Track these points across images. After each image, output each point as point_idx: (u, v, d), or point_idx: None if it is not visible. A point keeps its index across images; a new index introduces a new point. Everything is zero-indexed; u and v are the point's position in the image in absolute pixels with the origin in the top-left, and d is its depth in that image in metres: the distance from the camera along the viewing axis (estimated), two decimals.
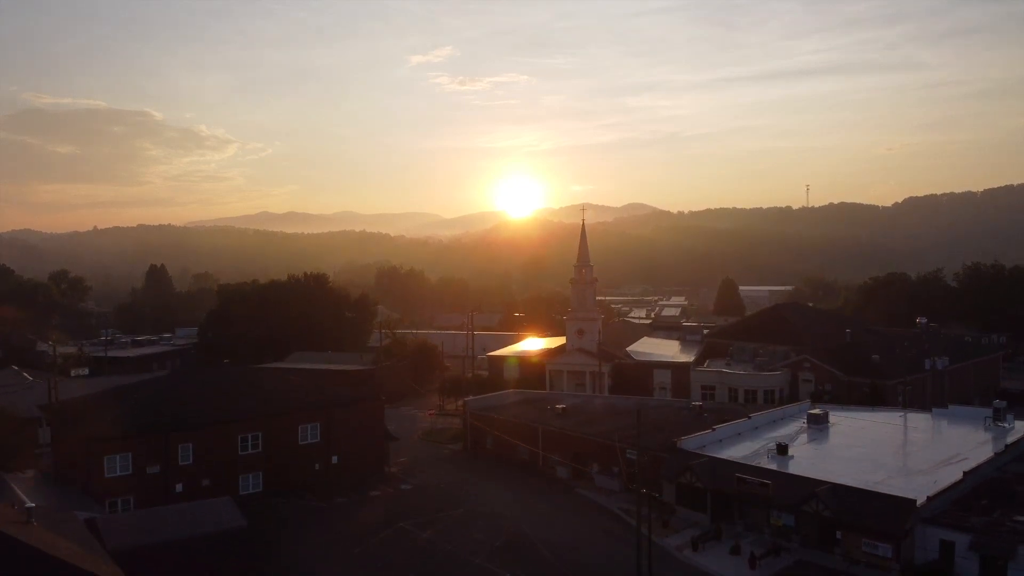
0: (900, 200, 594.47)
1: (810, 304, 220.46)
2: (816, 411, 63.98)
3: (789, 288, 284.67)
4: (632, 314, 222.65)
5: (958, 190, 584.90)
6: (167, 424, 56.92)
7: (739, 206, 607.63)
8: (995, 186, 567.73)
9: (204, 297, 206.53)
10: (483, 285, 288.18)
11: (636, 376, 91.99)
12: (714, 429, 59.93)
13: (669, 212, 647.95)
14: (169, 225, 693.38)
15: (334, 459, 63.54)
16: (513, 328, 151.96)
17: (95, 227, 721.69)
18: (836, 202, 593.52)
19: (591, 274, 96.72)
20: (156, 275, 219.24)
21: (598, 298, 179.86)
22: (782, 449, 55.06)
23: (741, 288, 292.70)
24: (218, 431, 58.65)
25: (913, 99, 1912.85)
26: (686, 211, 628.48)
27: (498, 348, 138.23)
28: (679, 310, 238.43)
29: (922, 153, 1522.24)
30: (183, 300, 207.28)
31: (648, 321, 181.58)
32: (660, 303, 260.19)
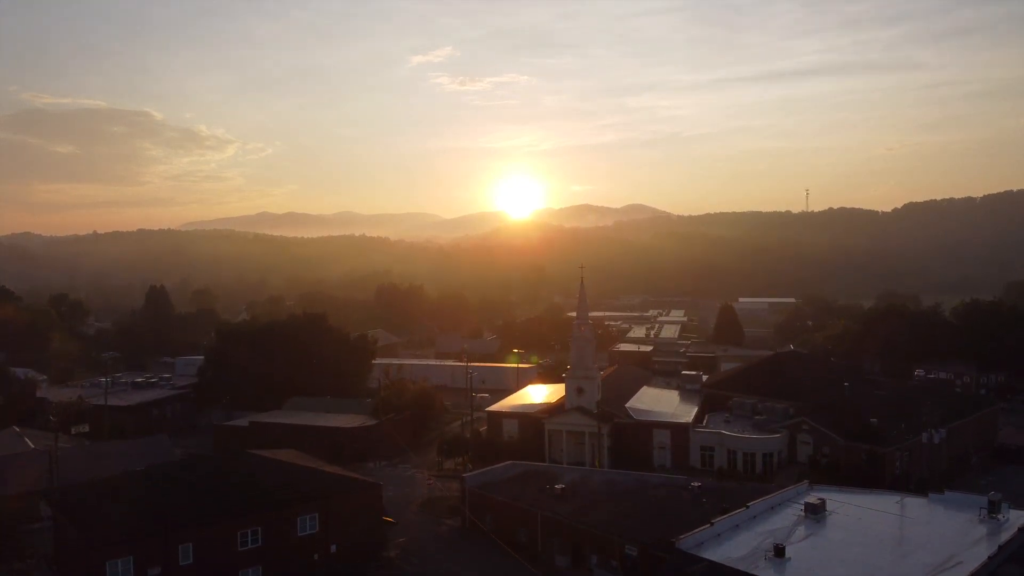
0: (900, 206, 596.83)
1: (809, 323, 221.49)
2: (813, 500, 64.14)
3: (790, 301, 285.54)
4: (631, 333, 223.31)
5: (958, 195, 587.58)
6: (169, 526, 57.08)
7: (738, 210, 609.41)
8: (995, 192, 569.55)
9: (204, 319, 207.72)
10: (483, 295, 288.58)
11: (635, 436, 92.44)
12: (712, 524, 60.11)
13: (669, 215, 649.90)
14: (168, 229, 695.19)
15: (333, 548, 63.79)
16: (513, 354, 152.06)
17: (95, 231, 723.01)
18: (836, 207, 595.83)
19: (590, 331, 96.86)
20: (156, 296, 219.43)
21: (595, 313, 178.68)
22: (779, 551, 55.23)
23: (741, 300, 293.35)
24: (218, 529, 58.78)
25: (913, 99, 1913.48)
26: (686, 215, 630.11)
27: (496, 381, 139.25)
28: (678, 327, 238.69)
29: (922, 154, 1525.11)
30: (183, 322, 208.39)
31: (649, 348, 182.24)
32: (659, 319, 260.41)
